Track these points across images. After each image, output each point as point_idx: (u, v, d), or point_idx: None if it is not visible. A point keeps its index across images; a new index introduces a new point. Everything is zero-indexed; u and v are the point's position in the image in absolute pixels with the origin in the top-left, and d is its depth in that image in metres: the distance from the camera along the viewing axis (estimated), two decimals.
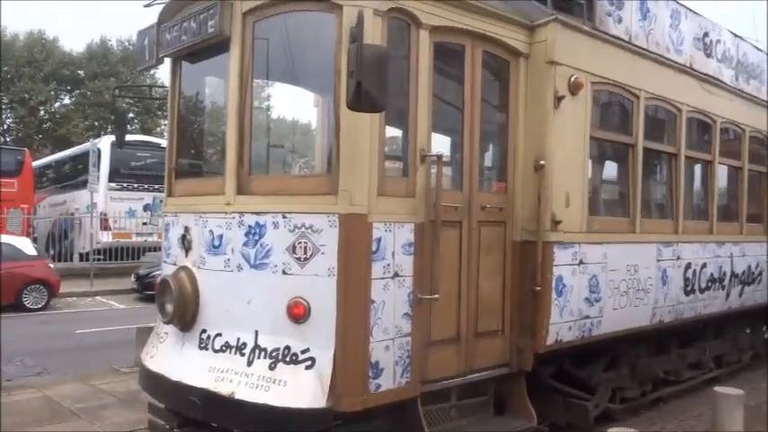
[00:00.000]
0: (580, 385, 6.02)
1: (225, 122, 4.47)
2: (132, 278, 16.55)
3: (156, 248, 17.99)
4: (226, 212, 4.34)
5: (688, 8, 6.91)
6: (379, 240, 4.13)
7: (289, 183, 4.48)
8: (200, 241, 4.53)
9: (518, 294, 5.14)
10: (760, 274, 8.26)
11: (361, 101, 3.60)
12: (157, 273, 11.35)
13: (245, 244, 4.23)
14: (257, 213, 4.20)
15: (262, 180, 4.43)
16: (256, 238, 4.19)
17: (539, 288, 5.02)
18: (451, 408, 4.89)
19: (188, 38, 4.66)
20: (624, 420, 6.54)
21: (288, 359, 4.01)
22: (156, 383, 4.65)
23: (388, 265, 4.19)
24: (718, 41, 7.48)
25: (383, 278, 4.16)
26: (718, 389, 5.90)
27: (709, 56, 7.30)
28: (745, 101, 7.92)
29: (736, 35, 7.92)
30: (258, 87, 5.40)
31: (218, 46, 4.52)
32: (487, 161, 5.86)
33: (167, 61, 5.15)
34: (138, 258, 19.87)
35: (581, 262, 5.35)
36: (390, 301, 4.21)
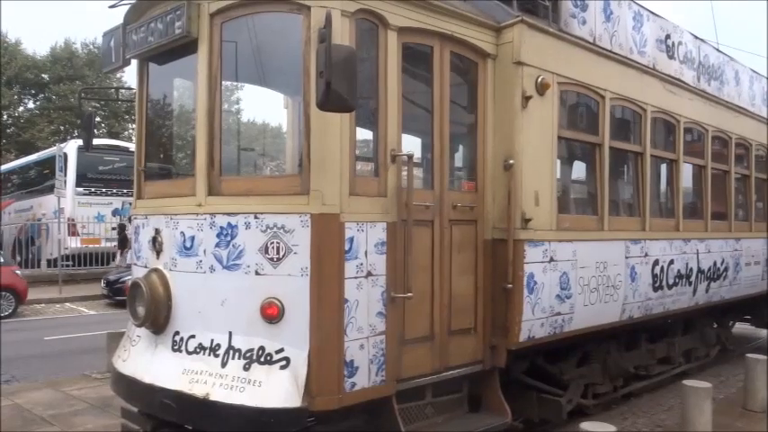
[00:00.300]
0: (553, 381, 6.11)
1: (194, 124, 4.45)
2: (102, 284, 16.29)
3: None
4: (197, 214, 4.32)
5: (650, 10, 7.08)
6: (351, 240, 4.15)
7: (260, 183, 4.47)
8: (171, 243, 4.50)
9: (490, 292, 5.19)
10: (725, 270, 8.46)
11: (330, 101, 3.62)
12: (127, 278, 11.19)
13: (217, 245, 4.21)
14: (229, 214, 4.19)
15: (233, 181, 4.42)
16: (228, 239, 4.18)
17: (510, 285, 5.08)
18: (426, 405, 4.92)
19: (155, 39, 4.63)
20: (596, 415, 6.65)
21: (262, 359, 4.01)
22: (128, 387, 4.60)
23: (361, 264, 4.21)
24: (680, 43, 7.66)
25: (356, 277, 4.18)
26: (686, 382, 6.04)
27: (671, 57, 7.47)
28: (706, 101, 8.13)
29: (697, 37, 8.12)
30: (227, 90, 5.39)
31: (185, 47, 4.50)
32: (458, 161, 5.92)
33: (134, 63, 5.11)
34: (108, 264, 19.58)
35: (551, 259, 5.43)
36: (364, 300, 4.23)
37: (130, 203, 5.78)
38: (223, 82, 4.45)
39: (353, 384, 4.16)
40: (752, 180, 9.41)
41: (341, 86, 3.57)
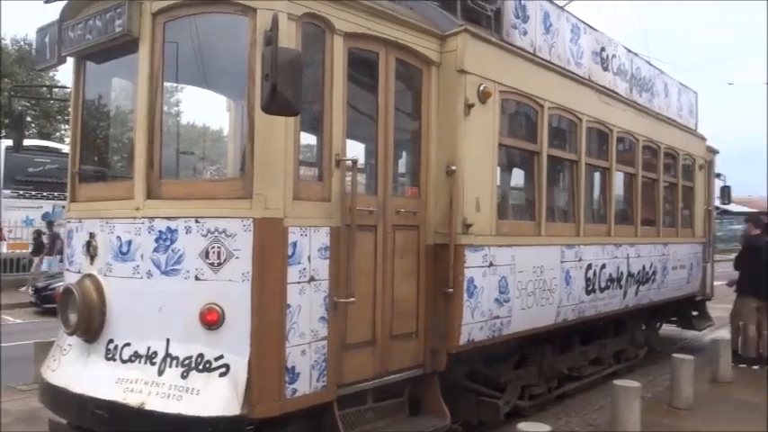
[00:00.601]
0: (491, 383, 6.23)
1: (133, 125, 4.34)
2: (30, 291, 15.57)
3: None
4: (135, 218, 4.20)
5: (587, 24, 7.34)
6: (294, 245, 4.13)
7: (201, 187, 4.39)
8: (106, 248, 4.36)
9: (431, 296, 5.26)
10: (653, 273, 8.83)
11: (276, 104, 3.59)
12: (57, 284, 10.74)
13: (156, 250, 4.11)
14: (168, 218, 4.10)
15: (173, 184, 4.32)
16: (167, 243, 4.08)
17: (451, 290, 5.15)
18: (368, 410, 4.93)
19: (93, 37, 4.49)
20: (532, 416, 6.82)
21: (201, 367, 3.93)
22: (57, 397, 4.42)
23: (304, 269, 4.20)
24: (614, 56, 7.98)
25: (299, 282, 4.16)
26: (617, 382, 6.26)
27: (606, 69, 7.77)
28: (638, 112, 8.48)
29: (630, 50, 8.48)
30: (166, 91, 5.26)
31: (125, 46, 4.38)
32: (401, 167, 5.97)
33: (70, 61, 4.94)
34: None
35: (491, 264, 5.55)
36: (306, 306, 4.21)
37: (63, 207, 5.57)
38: (164, 83, 4.35)
39: (294, 391, 4.13)
40: (679, 188, 9.87)
41: (286, 90, 3.55)
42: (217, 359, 3.93)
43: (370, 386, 4.85)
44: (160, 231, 4.10)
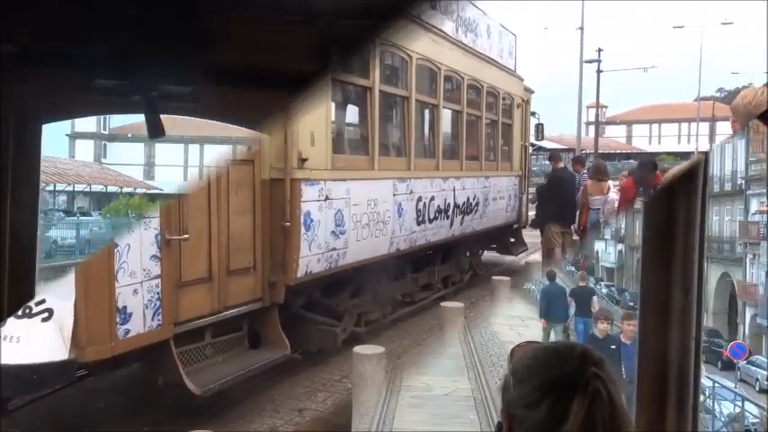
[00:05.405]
0: (329, 312, 6.46)
1: None
2: None
3: None
4: None
5: None
6: None
7: None
8: None
9: (269, 231, 5.28)
10: (476, 204, 9.52)
11: None
12: None
13: None
14: None
15: None
16: None
17: (288, 224, 5.21)
18: (206, 346, 4.92)
19: None
20: (368, 341, 7.19)
21: (20, 313, 3.66)
22: None
23: None
24: None
25: None
26: (443, 304, 6.81)
27: (434, 8, 7.99)
28: (464, 52, 8.89)
29: None
30: None
31: None
32: None
33: None
34: None
35: (327, 197, 5.66)
36: (136, 244, 4.05)
37: None
38: None
39: (127, 331, 4.01)
40: (499, 125, 10.60)
41: None
42: (38, 304, 3.68)
43: (208, 322, 4.83)
44: None
